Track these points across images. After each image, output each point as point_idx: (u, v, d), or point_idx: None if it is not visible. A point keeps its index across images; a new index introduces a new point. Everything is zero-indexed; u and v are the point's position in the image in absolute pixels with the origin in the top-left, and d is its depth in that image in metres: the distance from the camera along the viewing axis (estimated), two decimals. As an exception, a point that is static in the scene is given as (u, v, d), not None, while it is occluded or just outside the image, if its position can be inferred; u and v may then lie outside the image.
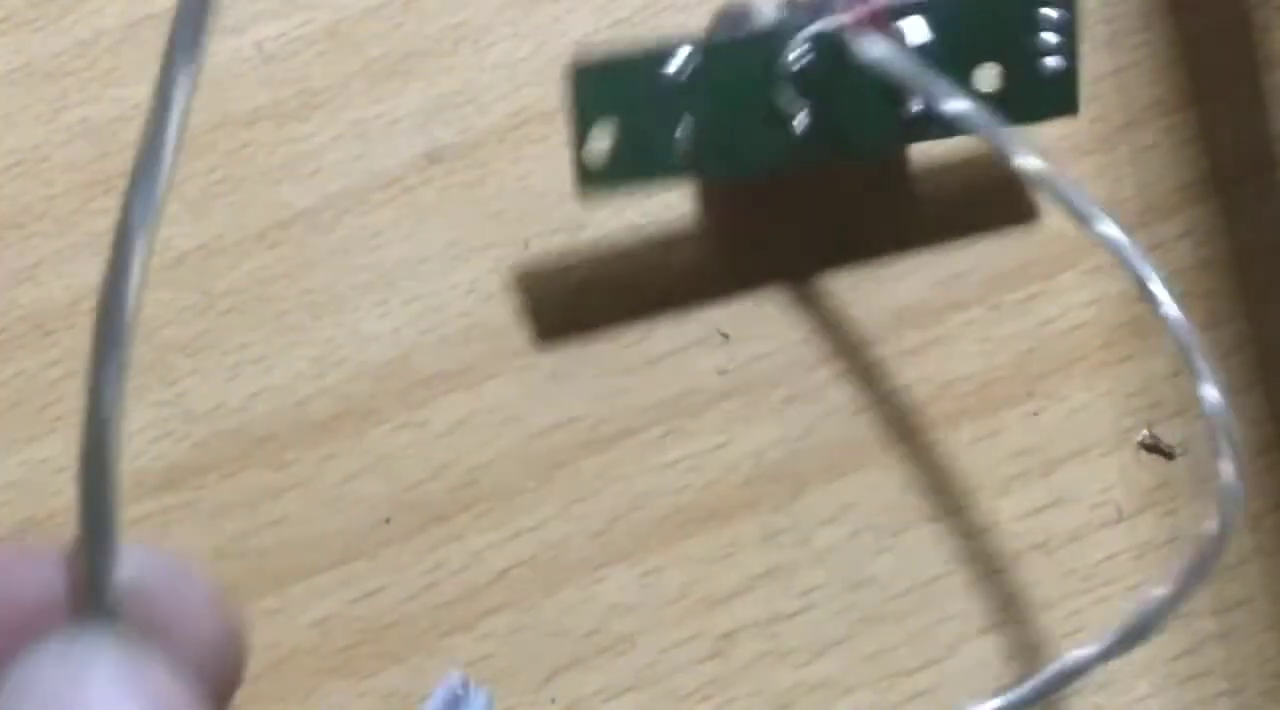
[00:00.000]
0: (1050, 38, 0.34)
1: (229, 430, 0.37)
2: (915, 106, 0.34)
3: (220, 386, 0.37)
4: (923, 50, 0.34)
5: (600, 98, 0.34)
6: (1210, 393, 0.29)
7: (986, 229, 0.37)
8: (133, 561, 0.20)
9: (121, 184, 0.40)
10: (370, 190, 0.38)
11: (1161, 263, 0.37)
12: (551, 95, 0.36)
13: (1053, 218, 0.37)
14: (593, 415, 0.37)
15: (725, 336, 0.37)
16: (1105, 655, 0.31)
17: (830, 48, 0.34)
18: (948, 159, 0.37)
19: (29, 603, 0.20)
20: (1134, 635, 0.30)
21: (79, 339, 0.37)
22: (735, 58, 0.34)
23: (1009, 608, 0.36)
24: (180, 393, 0.37)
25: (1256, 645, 0.35)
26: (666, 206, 0.37)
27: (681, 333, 0.37)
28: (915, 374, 0.37)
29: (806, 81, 0.34)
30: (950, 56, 0.34)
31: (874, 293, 0.37)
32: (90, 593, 0.19)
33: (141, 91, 0.38)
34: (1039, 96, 0.35)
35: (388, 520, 0.36)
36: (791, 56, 0.33)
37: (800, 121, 0.34)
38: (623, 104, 0.34)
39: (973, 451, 0.36)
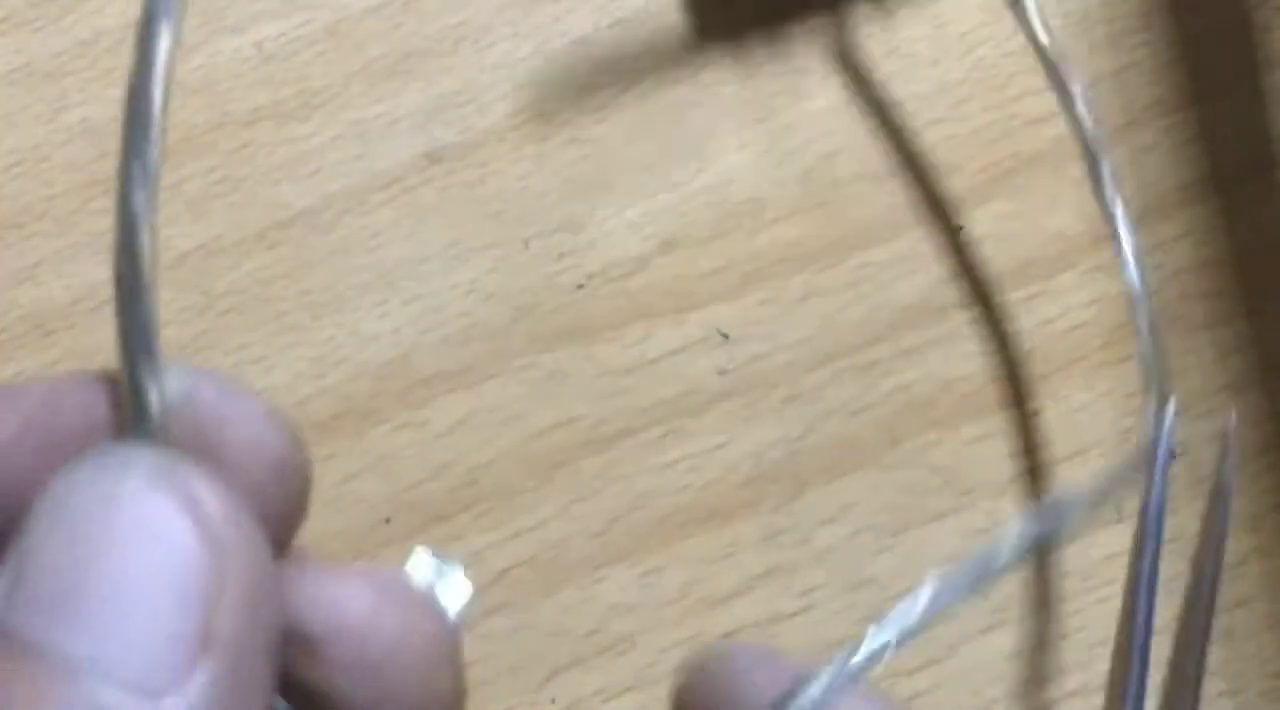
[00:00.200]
0: None
1: (229, 430, 0.37)
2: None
3: (220, 386, 0.37)
4: None
5: None
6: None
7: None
8: (179, 381, 0.19)
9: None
10: (370, 190, 0.38)
11: (1161, 263, 0.37)
12: (552, 95, 0.36)
13: (1053, 218, 0.37)
14: (593, 415, 0.37)
15: (725, 336, 0.37)
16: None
17: None
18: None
19: (78, 427, 0.19)
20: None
21: (79, 339, 0.37)
22: None
23: (1009, 607, 0.36)
24: (180, 393, 0.37)
25: (1256, 645, 0.35)
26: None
27: (681, 333, 0.37)
28: (915, 374, 0.37)
29: None
30: None
31: (874, 293, 0.37)
32: (133, 412, 0.18)
33: (141, 91, 0.38)
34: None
35: (388, 520, 0.36)
36: None
37: None
38: None
39: (973, 451, 0.36)
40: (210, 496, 0.18)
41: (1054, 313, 0.37)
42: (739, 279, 0.37)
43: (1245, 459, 0.36)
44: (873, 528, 0.36)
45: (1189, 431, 0.36)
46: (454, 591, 0.21)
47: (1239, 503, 0.36)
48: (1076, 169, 0.37)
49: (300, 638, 0.19)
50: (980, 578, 0.21)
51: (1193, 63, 0.38)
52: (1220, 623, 0.35)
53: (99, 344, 0.37)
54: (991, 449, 0.36)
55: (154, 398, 0.18)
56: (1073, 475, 0.36)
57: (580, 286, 0.37)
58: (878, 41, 0.38)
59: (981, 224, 0.37)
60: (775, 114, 0.38)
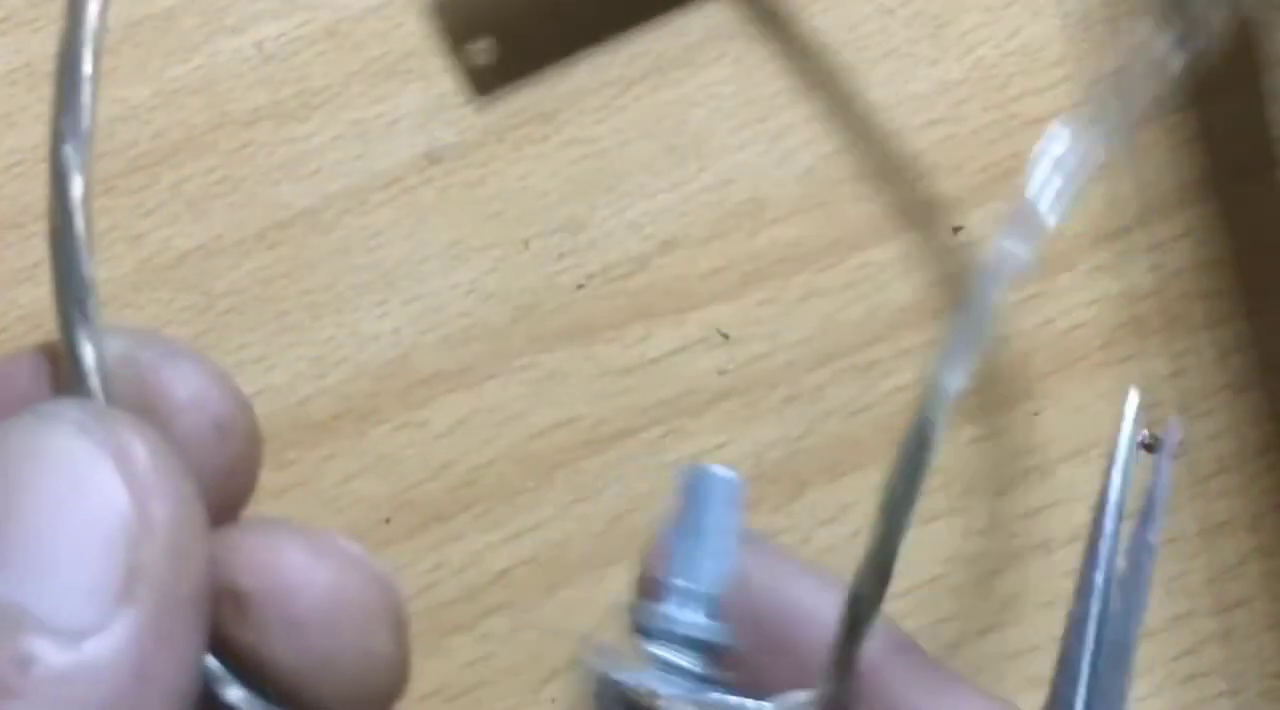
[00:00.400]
0: None
1: (229, 430, 0.37)
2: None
3: (220, 386, 0.37)
4: None
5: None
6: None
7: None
8: (118, 342, 0.19)
9: (121, 184, 0.40)
10: (370, 190, 0.38)
11: (1161, 263, 0.37)
12: (551, 95, 0.36)
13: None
14: (593, 415, 0.37)
15: (725, 336, 0.37)
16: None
17: None
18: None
19: (29, 396, 0.19)
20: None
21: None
22: None
23: (1009, 608, 0.36)
24: (180, 393, 0.37)
25: (1256, 645, 0.35)
26: None
27: (681, 333, 0.37)
28: (915, 374, 0.37)
29: None
30: None
31: (874, 293, 0.37)
32: (70, 370, 0.19)
33: (142, 91, 0.38)
34: None
35: (388, 520, 0.36)
36: None
37: None
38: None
39: (973, 451, 0.36)
40: (137, 445, 0.18)
41: (1054, 313, 0.37)
42: (739, 279, 0.37)
43: (1245, 459, 0.36)
44: (873, 528, 0.36)
45: (1189, 431, 0.36)
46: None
47: (1239, 503, 0.36)
48: (1076, 169, 0.37)
49: (232, 596, 0.19)
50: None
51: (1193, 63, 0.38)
52: (1220, 623, 0.35)
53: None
54: (991, 449, 0.36)
55: (88, 355, 0.19)
56: (1073, 475, 0.36)
57: (580, 286, 0.37)
58: (876, 40, 0.38)
59: (981, 224, 0.37)
60: (775, 114, 0.38)
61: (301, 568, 0.19)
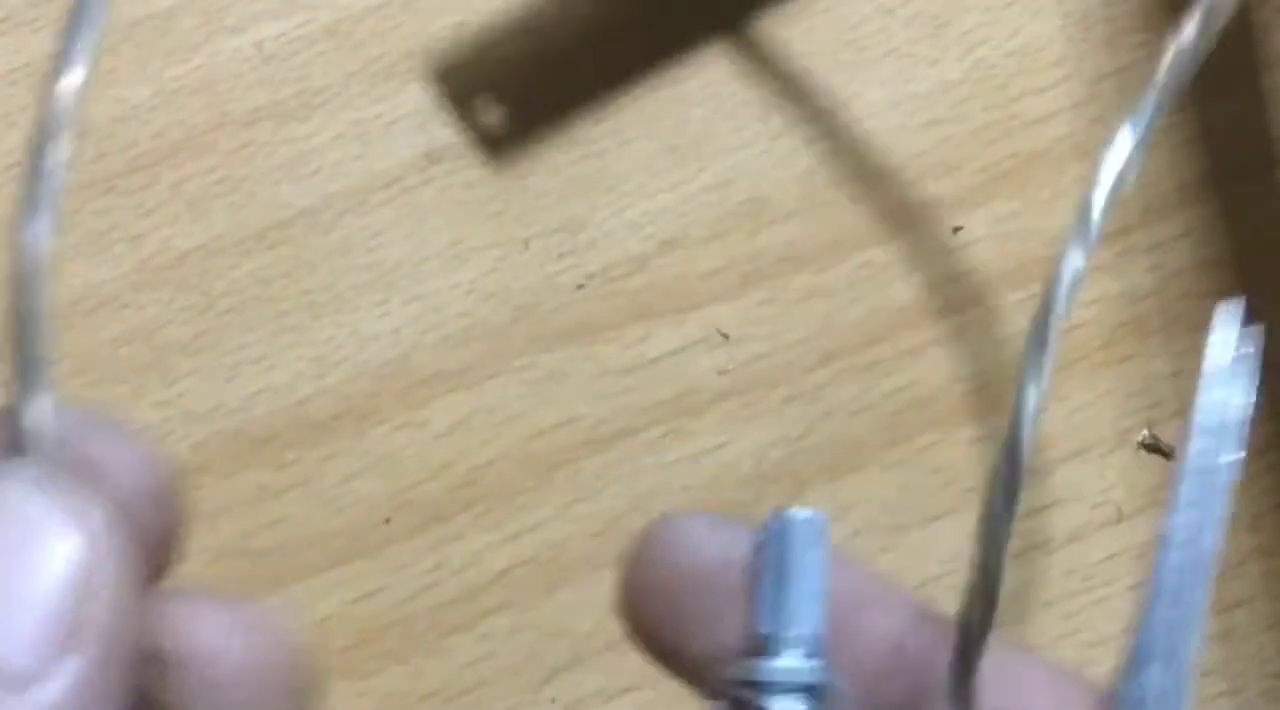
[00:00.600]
0: None
1: (229, 430, 0.37)
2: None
3: (220, 386, 0.37)
4: None
5: None
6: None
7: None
8: (70, 417, 0.20)
9: (121, 184, 0.40)
10: (370, 190, 0.38)
11: (1161, 263, 0.37)
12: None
13: (1053, 218, 0.37)
14: (593, 415, 0.37)
15: (725, 336, 0.37)
16: None
17: None
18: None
19: None
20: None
21: (79, 339, 0.37)
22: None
23: (1009, 608, 0.36)
24: (180, 393, 0.37)
25: (1256, 645, 0.35)
26: (666, 206, 0.37)
27: (681, 333, 0.37)
28: (915, 374, 0.37)
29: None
30: None
31: (874, 293, 0.37)
32: (26, 438, 0.20)
33: (142, 91, 0.38)
34: None
35: (388, 520, 0.36)
36: None
37: None
38: None
39: (973, 451, 0.36)
40: (92, 506, 0.19)
41: (1054, 313, 0.37)
42: (739, 279, 0.37)
43: (1245, 459, 0.36)
44: (873, 528, 0.36)
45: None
46: None
47: (1239, 503, 0.36)
48: (1076, 169, 0.38)
49: (157, 659, 0.20)
50: None
51: (1193, 63, 0.38)
52: (1220, 623, 0.35)
53: (99, 344, 0.37)
54: (992, 449, 0.36)
55: (44, 423, 0.20)
56: (1073, 475, 0.36)
57: (580, 286, 0.37)
58: (876, 40, 0.38)
59: (981, 224, 0.37)
60: (775, 114, 0.38)
61: (221, 633, 0.21)
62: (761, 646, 0.21)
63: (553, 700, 0.35)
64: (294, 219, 0.38)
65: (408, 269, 0.37)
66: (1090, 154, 0.38)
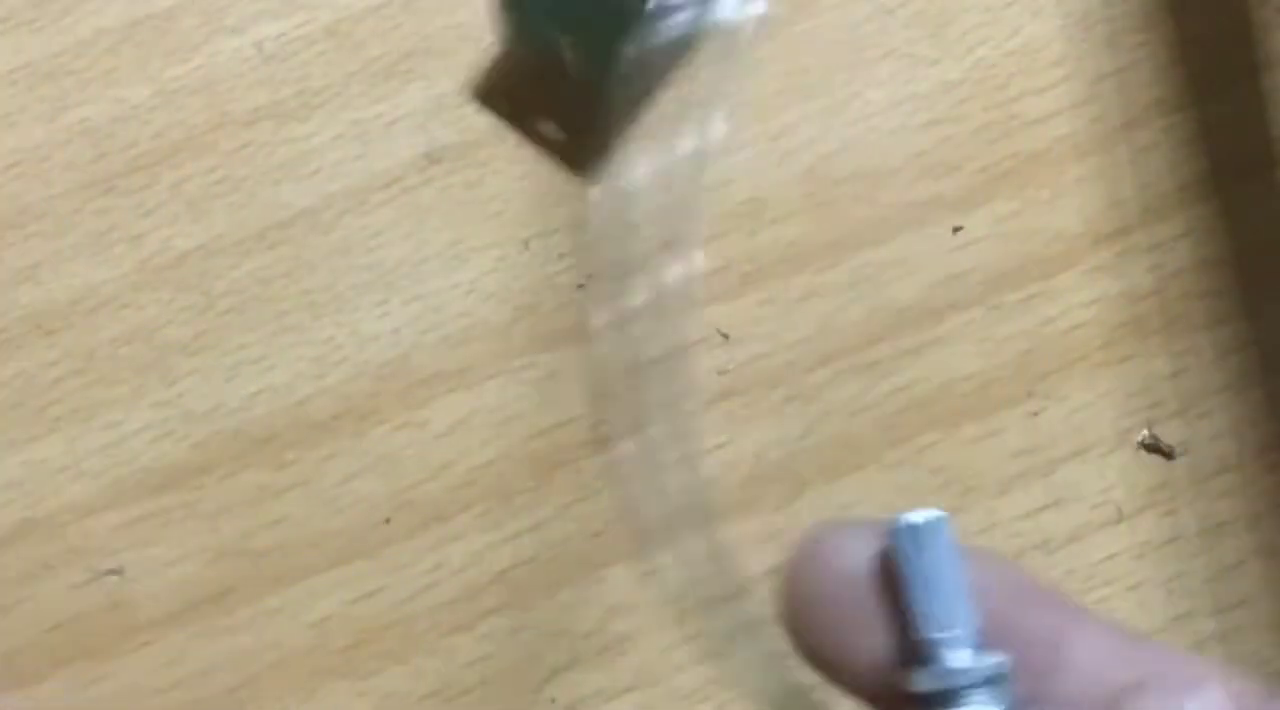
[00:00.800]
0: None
1: (229, 430, 0.37)
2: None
3: (220, 386, 0.37)
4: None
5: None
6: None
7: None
8: None
9: (121, 184, 0.40)
10: (370, 190, 0.38)
11: (1161, 263, 0.37)
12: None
13: (1053, 218, 0.37)
14: (593, 415, 0.37)
15: (725, 336, 0.37)
16: None
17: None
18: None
19: None
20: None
21: (79, 339, 0.37)
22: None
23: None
24: (180, 393, 0.37)
25: (1256, 645, 0.35)
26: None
27: (681, 333, 0.37)
28: (915, 374, 0.37)
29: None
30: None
31: (874, 293, 0.37)
32: None
33: (141, 91, 0.38)
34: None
35: (388, 520, 0.36)
36: None
37: None
38: None
39: (973, 451, 0.36)
40: None
41: (1054, 313, 0.37)
42: (739, 279, 0.37)
43: (1245, 459, 0.36)
44: (873, 528, 0.36)
45: (1189, 431, 0.36)
46: None
47: (1239, 503, 0.36)
48: (1076, 169, 0.38)
49: None
50: None
51: (1193, 63, 0.38)
52: (1220, 623, 0.35)
53: (99, 343, 0.37)
54: (991, 449, 0.36)
55: None
56: (1073, 475, 0.36)
57: (580, 286, 0.37)
58: (876, 40, 0.38)
59: (981, 224, 0.37)
60: (775, 114, 0.38)
61: None
62: (929, 652, 0.21)
63: (553, 700, 0.35)
64: (294, 219, 0.38)
65: (408, 269, 0.37)
66: (1090, 154, 0.38)
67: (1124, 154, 0.38)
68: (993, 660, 0.21)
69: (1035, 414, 0.37)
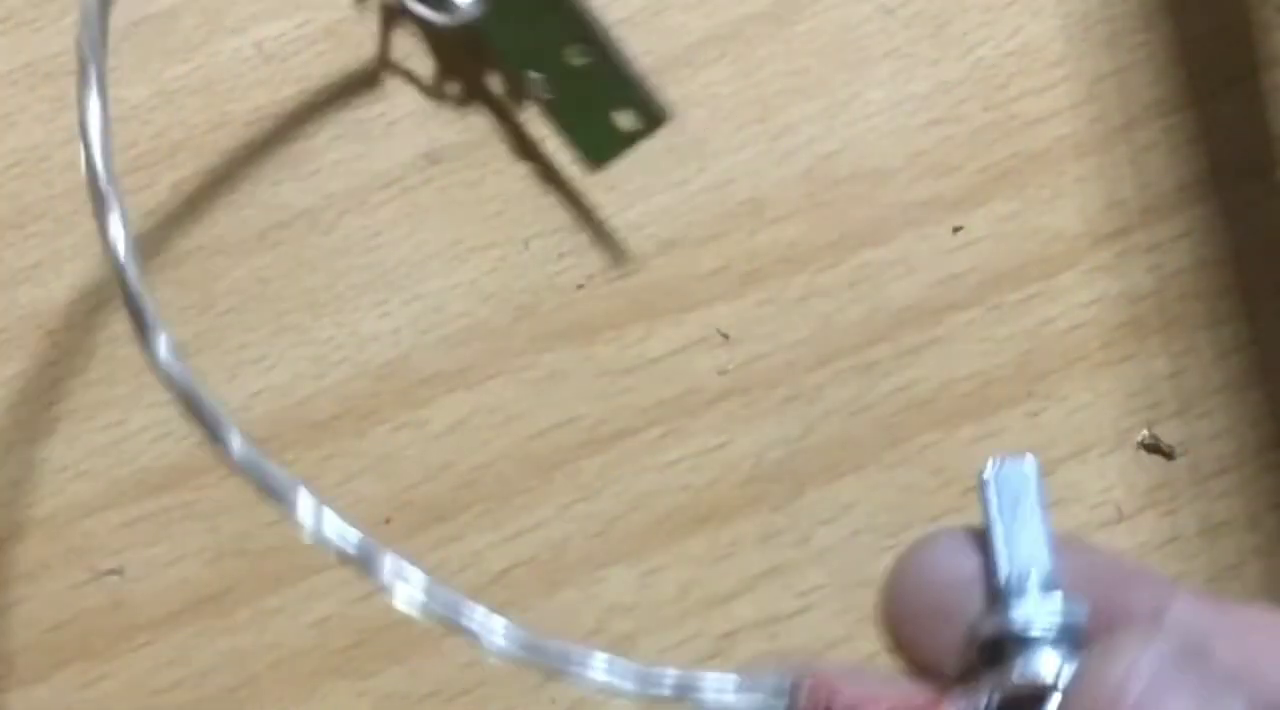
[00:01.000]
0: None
1: (229, 430, 0.37)
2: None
3: (220, 386, 0.37)
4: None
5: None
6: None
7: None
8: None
9: (122, 184, 0.40)
10: (370, 190, 0.38)
11: (1161, 263, 0.37)
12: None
13: (1053, 218, 0.37)
14: (593, 415, 0.37)
15: (725, 336, 0.37)
16: None
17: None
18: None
19: None
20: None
21: (79, 339, 0.37)
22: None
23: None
24: (180, 393, 0.37)
25: (1256, 645, 0.35)
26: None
27: (681, 333, 0.37)
28: (915, 374, 0.37)
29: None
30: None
31: (874, 293, 0.37)
32: None
33: (142, 92, 0.38)
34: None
35: (388, 520, 0.36)
36: None
37: None
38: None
39: (973, 451, 0.36)
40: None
41: (1054, 313, 0.37)
42: (739, 279, 0.37)
43: (1245, 459, 0.36)
44: (873, 528, 0.36)
45: (1189, 431, 0.36)
46: None
47: (1239, 503, 0.36)
48: (1076, 169, 0.38)
49: None
50: None
51: (1193, 63, 0.38)
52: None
53: (99, 343, 0.37)
54: (991, 449, 0.36)
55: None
56: (1073, 475, 0.36)
57: (580, 286, 0.37)
58: (876, 40, 0.38)
59: (981, 224, 0.37)
60: (775, 114, 0.38)
61: None
62: (1006, 596, 0.21)
63: (553, 700, 0.35)
64: (294, 219, 0.38)
65: (408, 269, 0.37)
66: (1090, 154, 0.38)
67: (1124, 154, 0.38)
68: (1067, 608, 0.20)
69: (1035, 414, 0.37)
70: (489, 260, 0.37)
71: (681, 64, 0.38)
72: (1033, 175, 0.37)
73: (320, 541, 0.23)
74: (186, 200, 0.38)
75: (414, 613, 0.22)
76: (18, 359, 0.37)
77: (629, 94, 0.35)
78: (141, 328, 0.21)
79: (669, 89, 0.38)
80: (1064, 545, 0.22)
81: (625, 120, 0.36)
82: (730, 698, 0.21)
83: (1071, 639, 0.20)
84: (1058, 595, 0.21)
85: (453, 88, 0.38)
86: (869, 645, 0.35)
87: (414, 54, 0.38)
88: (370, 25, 0.39)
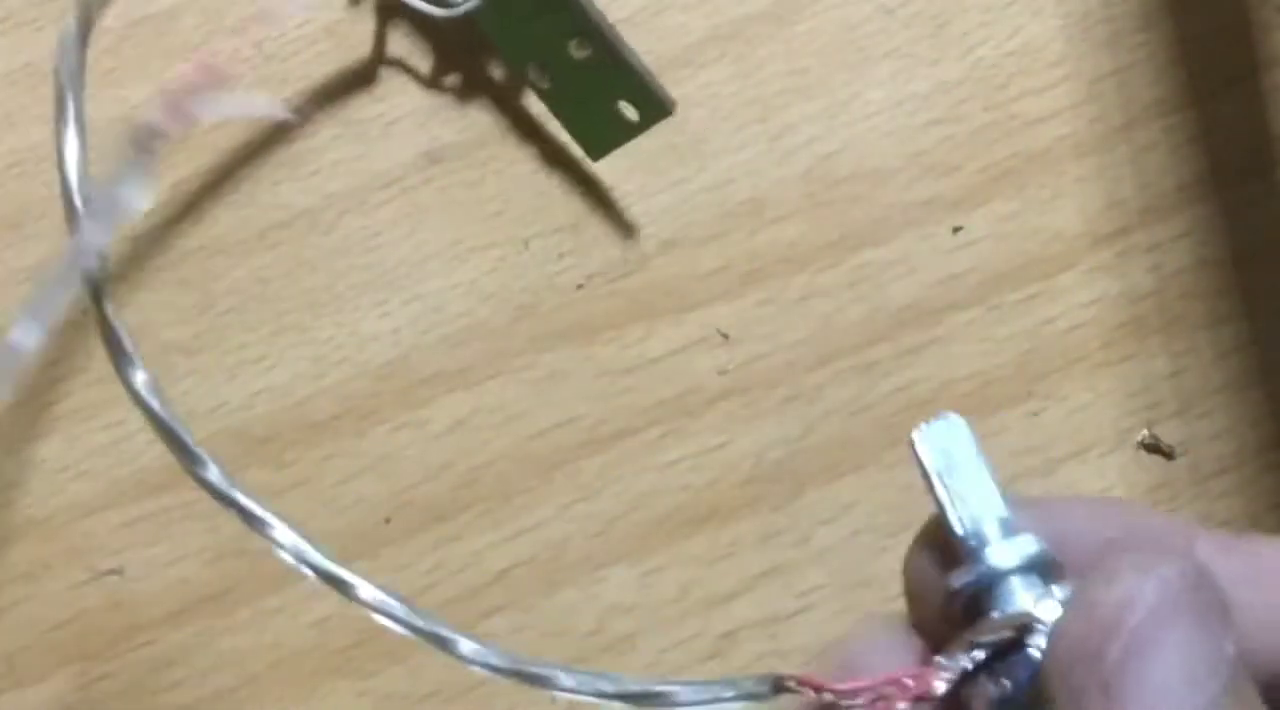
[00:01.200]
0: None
1: (229, 430, 0.37)
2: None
3: (220, 386, 0.37)
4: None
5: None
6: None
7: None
8: None
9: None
10: (370, 190, 0.38)
11: (1161, 263, 0.37)
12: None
13: (1053, 218, 0.37)
14: (593, 415, 0.37)
15: (725, 336, 0.37)
16: None
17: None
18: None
19: None
20: None
21: (79, 339, 0.37)
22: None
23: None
24: (180, 393, 0.37)
25: (1256, 645, 0.35)
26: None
27: (681, 333, 0.37)
28: (915, 374, 0.37)
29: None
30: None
31: (874, 293, 0.37)
32: None
33: (141, 91, 0.38)
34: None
35: (388, 520, 0.36)
36: None
37: None
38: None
39: (973, 451, 0.36)
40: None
41: (1054, 313, 0.37)
42: (739, 279, 0.37)
43: (1245, 459, 0.36)
44: (873, 528, 0.36)
45: (1189, 431, 0.36)
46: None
47: (1239, 503, 0.36)
48: (1076, 169, 0.38)
49: None
50: None
51: (1193, 63, 0.38)
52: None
53: (98, 344, 0.37)
54: (991, 449, 0.36)
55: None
56: (1073, 475, 0.36)
57: (580, 286, 0.37)
58: (876, 40, 0.38)
59: (981, 224, 0.37)
60: (775, 114, 0.38)
61: None
62: (968, 550, 0.21)
63: (553, 700, 0.35)
64: (294, 219, 0.38)
65: (408, 269, 0.37)
66: (1090, 154, 0.38)
67: (1124, 154, 0.38)
68: (1025, 542, 0.20)
69: (1035, 414, 0.37)
70: (489, 260, 0.37)
71: (681, 64, 0.38)
72: (1033, 175, 0.37)
73: (294, 568, 0.23)
74: (186, 200, 0.38)
75: (395, 630, 0.22)
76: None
77: (632, 85, 0.35)
78: (117, 360, 0.21)
79: (669, 89, 0.38)
80: (1094, 501, 0.22)
81: (628, 111, 0.36)
82: (711, 698, 0.21)
83: (1043, 573, 0.20)
84: (1021, 536, 0.21)
85: (452, 80, 0.38)
86: (869, 645, 0.35)
87: (413, 53, 0.38)
88: (369, 25, 0.39)
